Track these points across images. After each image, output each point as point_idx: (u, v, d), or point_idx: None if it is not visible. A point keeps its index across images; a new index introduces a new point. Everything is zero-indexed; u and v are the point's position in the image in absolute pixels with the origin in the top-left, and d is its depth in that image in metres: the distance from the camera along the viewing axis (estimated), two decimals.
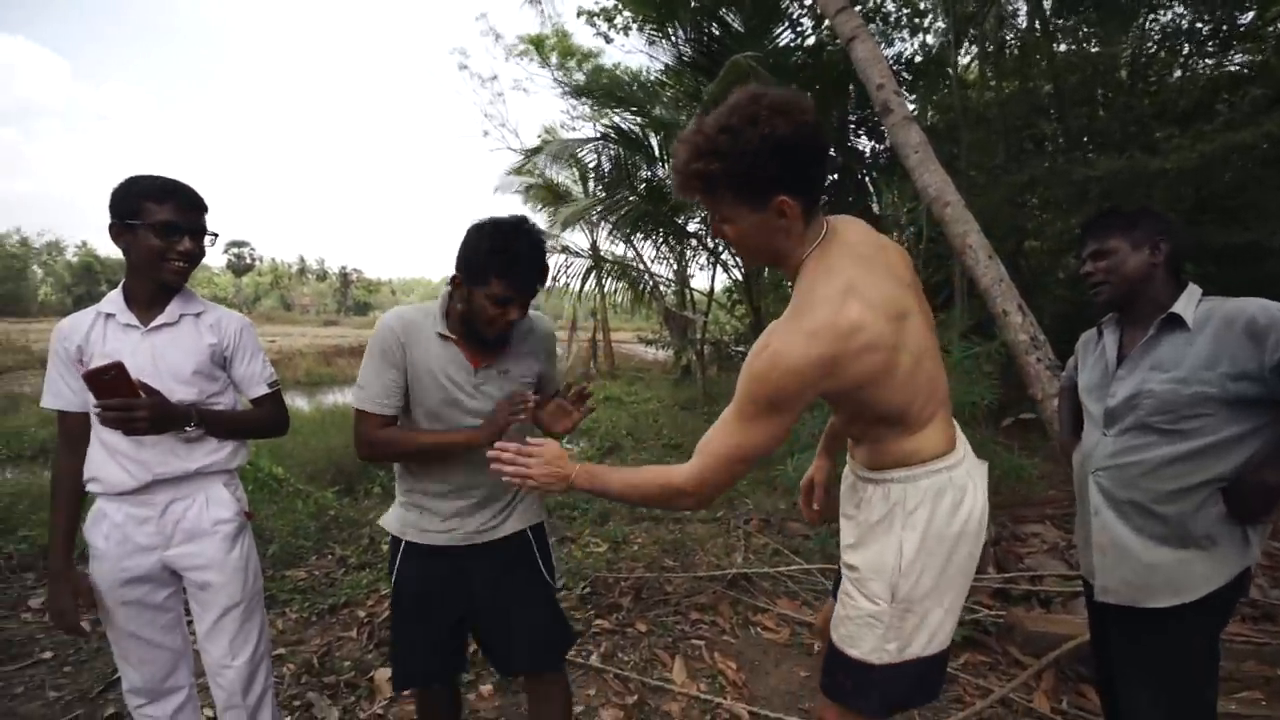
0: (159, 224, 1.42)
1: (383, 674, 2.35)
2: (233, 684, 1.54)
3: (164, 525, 1.48)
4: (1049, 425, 3.53)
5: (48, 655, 2.55)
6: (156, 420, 1.37)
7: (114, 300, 1.50)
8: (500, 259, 1.40)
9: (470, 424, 1.52)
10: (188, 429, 1.45)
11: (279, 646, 2.58)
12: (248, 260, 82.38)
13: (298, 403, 10.51)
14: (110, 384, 1.31)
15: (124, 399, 1.33)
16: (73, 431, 1.47)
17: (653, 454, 6.44)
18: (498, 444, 1.28)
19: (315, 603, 2.95)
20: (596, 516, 4.32)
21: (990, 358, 3.43)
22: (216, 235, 1.54)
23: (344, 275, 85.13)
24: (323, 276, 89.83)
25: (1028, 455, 3.70)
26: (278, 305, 76.25)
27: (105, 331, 1.46)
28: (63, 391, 1.45)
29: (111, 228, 1.44)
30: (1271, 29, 6.65)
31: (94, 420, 1.41)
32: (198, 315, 1.55)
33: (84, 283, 57.53)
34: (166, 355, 1.48)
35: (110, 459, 1.44)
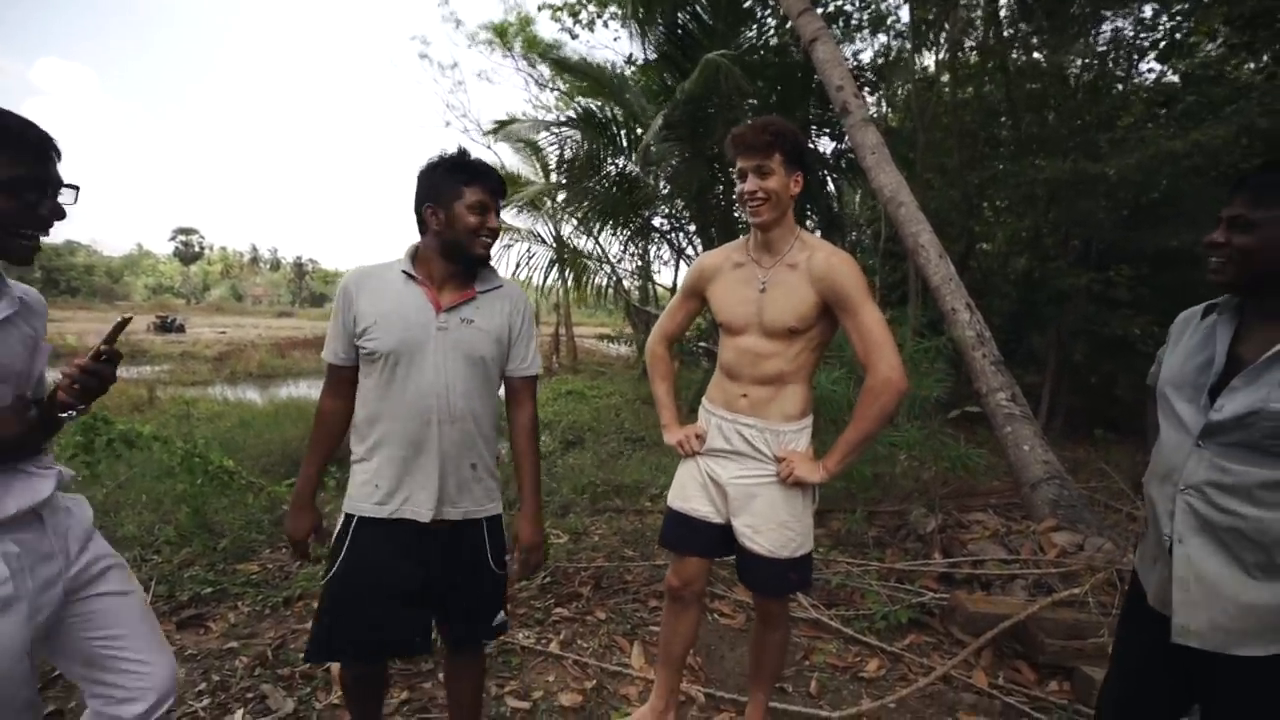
0: (8, 180, 1.06)
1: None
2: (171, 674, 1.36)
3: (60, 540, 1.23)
4: (992, 418, 3.71)
5: None
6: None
7: None
8: (465, 170, 1.54)
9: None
10: (72, 414, 1.17)
11: (231, 640, 2.53)
12: (196, 248, 79.41)
13: (250, 395, 10.21)
14: (116, 333, 1.15)
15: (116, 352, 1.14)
16: None
17: (614, 447, 6.47)
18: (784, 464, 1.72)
19: (269, 596, 2.89)
20: (558, 509, 4.34)
21: (940, 352, 3.57)
22: (78, 189, 1.19)
23: (299, 265, 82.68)
24: (276, 266, 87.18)
25: (974, 447, 3.86)
26: (229, 296, 73.54)
27: None
28: None
29: None
30: (1200, 42, 7.03)
31: None
32: (24, 303, 1.23)
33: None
34: (18, 356, 1.16)
35: None
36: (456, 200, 1.52)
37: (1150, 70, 7.79)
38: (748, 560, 1.79)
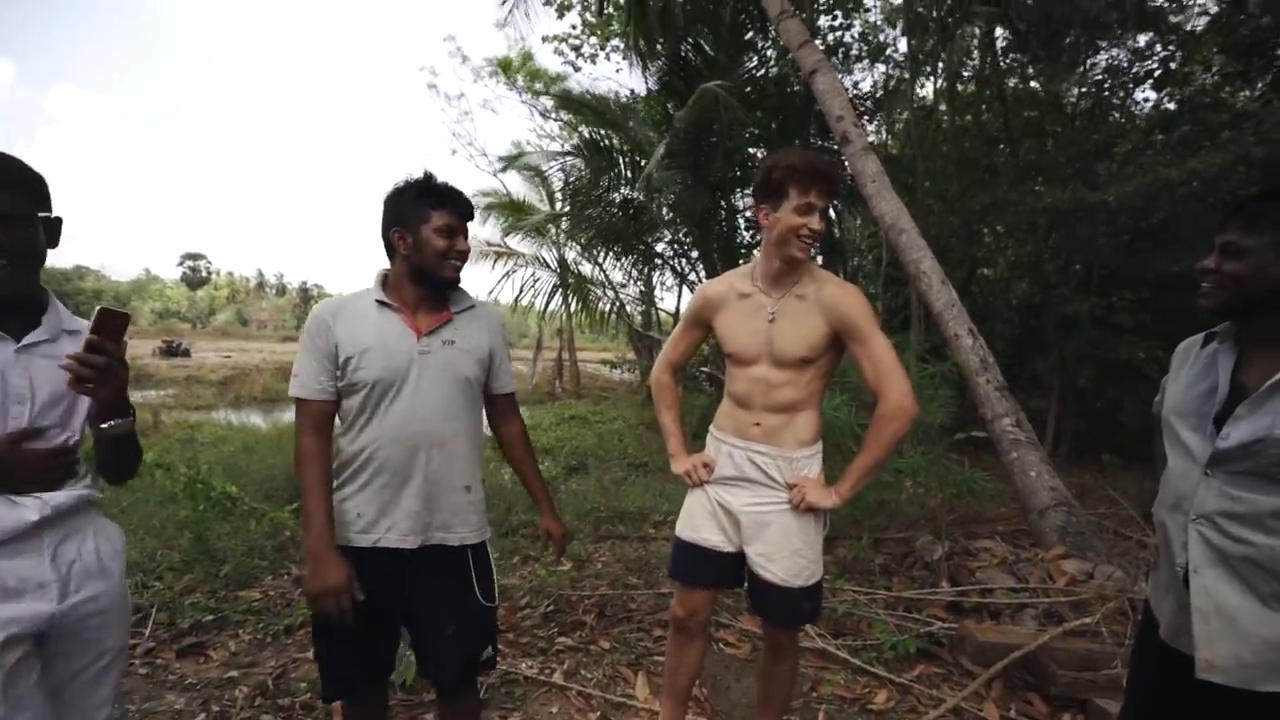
0: None
1: None
2: None
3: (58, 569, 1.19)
4: (997, 444, 3.70)
5: None
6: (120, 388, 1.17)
7: None
8: (432, 194, 1.53)
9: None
10: (114, 423, 1.19)
11: (231, 669, 2.51)
12: (203, 273, 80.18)
13: (254, 419, 10.23)
14: (115, 329, 1.13)
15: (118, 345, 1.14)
16: None
17: (617, 473, 6.45)
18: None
19: (270, 624, 2.87)
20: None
21: (945, 378, 3.57)
22: (60, 220, 1.21)
23: (304, 290, 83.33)
24: (282, 291, 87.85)
25: (978, 471, 3.84)
26: (234, 320, 74.03)
27: None
28: None
29: None
30: (1194, 71, 7.15)
31: None
32: (75, 334, 1.24)
33: None
34: (49, 382, 1.18)
35: None
36: (424, 224, 1.50)
37: (1147, 99, 7.92)
38: (760, 590, 1.77)
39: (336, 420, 1.58)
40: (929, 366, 3.65)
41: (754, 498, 1.76)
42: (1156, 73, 7.24)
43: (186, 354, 25.55)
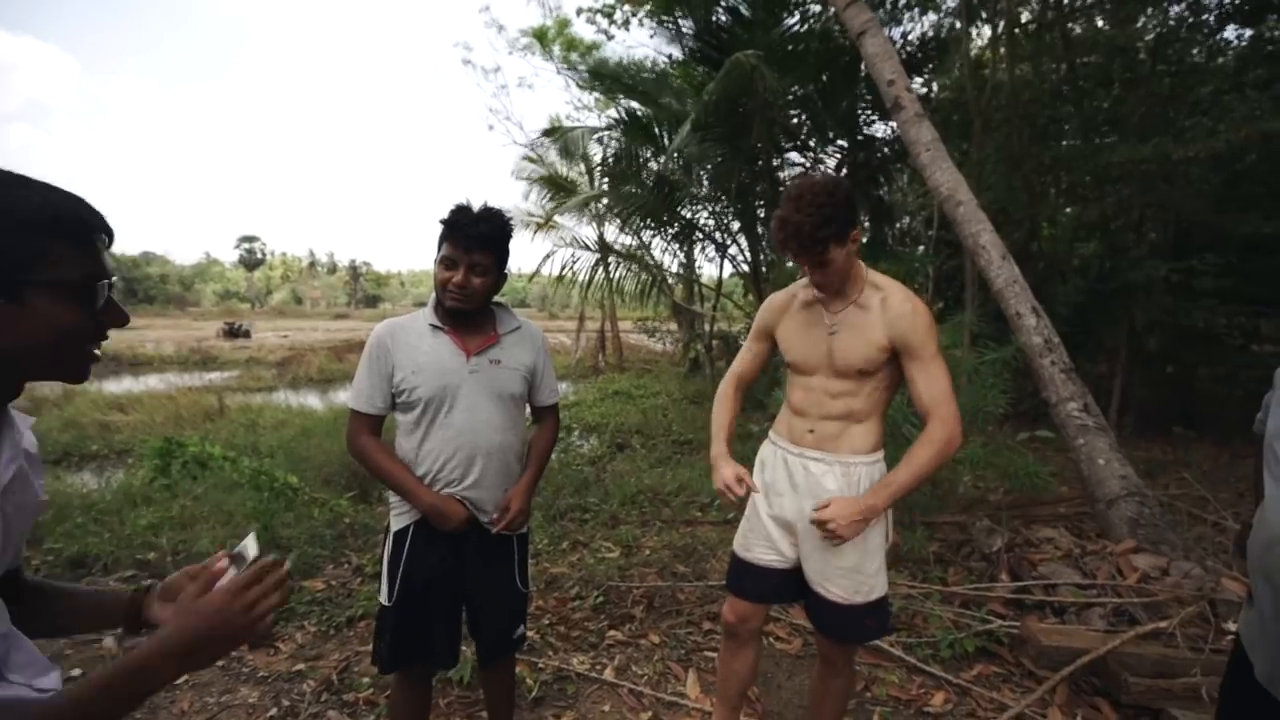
0: (80, 281, 0.75)
1: None
2: None
3: None
4: (1062, 429, 3.51)
5: (75, 673, 2.61)
6: None
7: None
8: (445, 228, 1.60)
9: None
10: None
11: (299, 661, 2.63)
12: (259, 255, 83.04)
13: (310, 401, 10.62)
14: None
15: None
16: None
17: (663, 451, 6.45)
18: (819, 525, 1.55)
19: (333, 615, 2.99)
20: (608, 519, 4.35)
21: (1006, 365, 3.38)
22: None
23: (353, 268, 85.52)
24: (332, 270, 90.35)
25: (1038, 457, 3.67)
26: (289, 300, 76.79)
27: None
28: None
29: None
30: None
31: None
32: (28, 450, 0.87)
33: None
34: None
35: None
36: (437, 254, 1.62)
37: (1240, 37, 7.15)
38: (819, 607, 1.73)
39: (400, 425, 1.71)
40: (986, 352, 3.46)
41: (807, 508, 1.69)
42: (1246, 7, 6.54)
43: (247, 335, 26.54)
